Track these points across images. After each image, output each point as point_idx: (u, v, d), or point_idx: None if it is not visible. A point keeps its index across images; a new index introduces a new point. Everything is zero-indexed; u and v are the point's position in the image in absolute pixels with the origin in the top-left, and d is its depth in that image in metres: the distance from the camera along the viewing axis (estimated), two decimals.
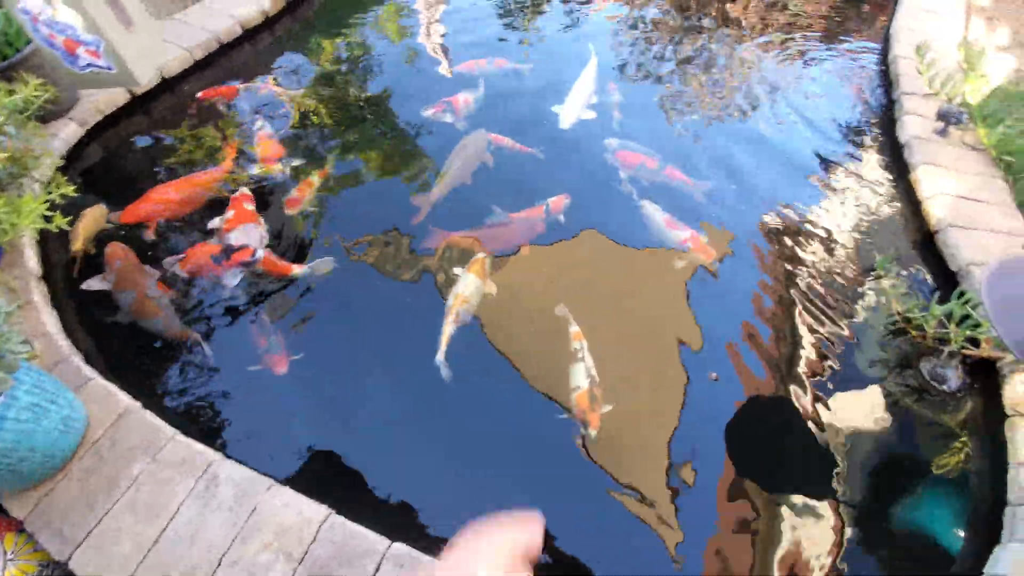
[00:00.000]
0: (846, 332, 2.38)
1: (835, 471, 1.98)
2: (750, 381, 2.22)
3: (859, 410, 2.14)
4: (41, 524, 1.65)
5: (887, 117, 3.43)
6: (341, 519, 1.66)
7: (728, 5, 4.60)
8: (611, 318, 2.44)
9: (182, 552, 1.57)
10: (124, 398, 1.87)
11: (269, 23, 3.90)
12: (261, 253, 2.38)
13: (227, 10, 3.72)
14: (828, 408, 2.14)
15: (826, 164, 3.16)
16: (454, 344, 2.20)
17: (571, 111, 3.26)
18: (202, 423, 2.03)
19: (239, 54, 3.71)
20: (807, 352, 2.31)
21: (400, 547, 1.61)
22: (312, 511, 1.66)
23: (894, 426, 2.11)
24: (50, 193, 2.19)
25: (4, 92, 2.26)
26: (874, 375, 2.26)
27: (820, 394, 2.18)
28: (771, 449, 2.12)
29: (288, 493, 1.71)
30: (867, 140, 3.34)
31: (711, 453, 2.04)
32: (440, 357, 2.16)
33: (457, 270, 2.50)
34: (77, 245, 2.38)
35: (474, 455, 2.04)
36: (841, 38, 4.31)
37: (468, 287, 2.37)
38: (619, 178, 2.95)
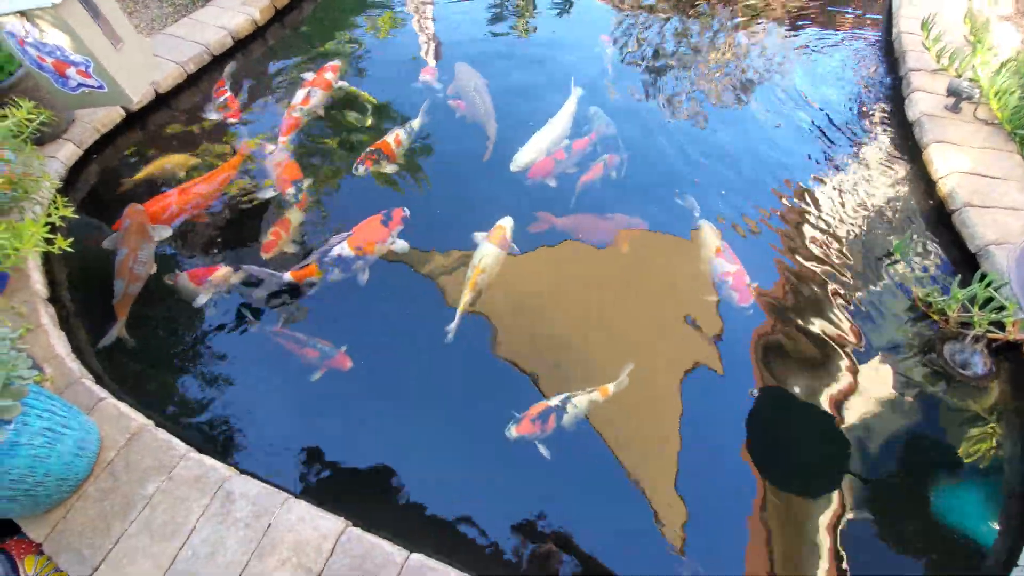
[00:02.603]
0: (864, 318, 2.33)
1: (857, 461, 1.94)
2: (763, 370, 2.19)
3: (880, 397, 2.10)
4: (60, 547, 1.66)
5: (895, 95, 3.35)
6: (358, 531, 1.65)
7: None
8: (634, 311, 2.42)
9: (200, 570, 1.57)
10: (136, 417, 1.87)
11: (260, 32, 3.88)
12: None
13: (216, 21, 3.70)
14: (848, 396, 2.10)
15: (832, 146, 3.10)
16: (471, 353, 2.19)
17: (527, 155, 3.01)
18: (213, 438, 2.03)
19: (228, 63, 3.68)
20: (823, 340, 2.26)
21: (418, 557, 1.60)
22: (328, 525, 1.65)
23: (917, 414, 2.06)
24: (50, 216, 2.18)
25: None
26: (895, 362, 2.21)
27: (839, 382, 2.14)
28: (789, 439, 2.08)
29: (303, 506, 1.70)
30: (875, 119, 3.26)
31: (729, 444, 2.01)
32: (453, 325, 2.20)
33: (478, 236, 2.49)
34: (140, 174, 2.71)
35: (490, 463, 2.02)
36: (841, 17, 4.21)
37: (487, 257, 2.40)
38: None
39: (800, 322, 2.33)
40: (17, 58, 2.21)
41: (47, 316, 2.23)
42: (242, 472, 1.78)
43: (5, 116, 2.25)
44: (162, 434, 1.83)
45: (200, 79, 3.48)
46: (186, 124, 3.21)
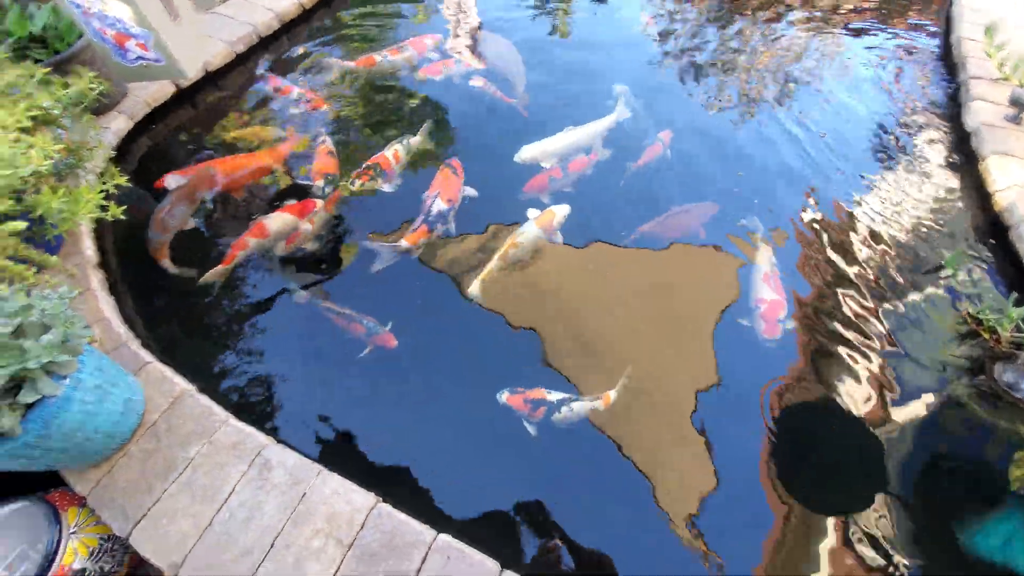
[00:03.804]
0: (908, 333, 2.25)
1: (898, 485, 1.88)
2: (802, 382, 2.13)
3: (925, 417, 2.03)
4: (103, 501, 1.72)
5: (951, 103, 3.23)
6: (388, 508, 1.67)
7: None
8: (656, 316, 2.39)
9: (237, 533, 1.61)
10: (180, 381, 1.92)
11: (306, 15, 3.93)
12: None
13: (265, 3, 3.76)
14: (890, 414, 2.03)
15: (883, 152, 3.00)
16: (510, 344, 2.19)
17: (531, 152, 2.99)
18: (253, 406, 2.07)
19: (277, 47, 3.75)
20: (865, 353, 2.20)
21: (445, 538, 1.61)
22: (360, 499, 1.68)
23: (964, 436, 1.99)
24: (104, 184, 2.25)
25: (60, 85, 2.34)
26: (941, 380, 2.13)
27: (880, 399, 2.07)
28: (826, 459, 2.02)
29: (336, 479, 1.72)
30: (928, 127, 3.15)
31: (758, 458, 1.97)
32: (475, 288, 2.29)
33: (531, 213, 2.59)
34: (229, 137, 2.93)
35: (521, 452, 2.03)
36: (895, 19, 4.07)
37: (526, 235, 2.49)
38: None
39: (838, 332, 2.26)
40: (80, 28, 2.27)
41: (96, 280, 2.31)
42: (279, 442, 1.82)
43: (67, 84, 2.32)
44: (204, 399, 1.88)
45: (247, 59, 3.54)
46: (233, 103, 3.28)
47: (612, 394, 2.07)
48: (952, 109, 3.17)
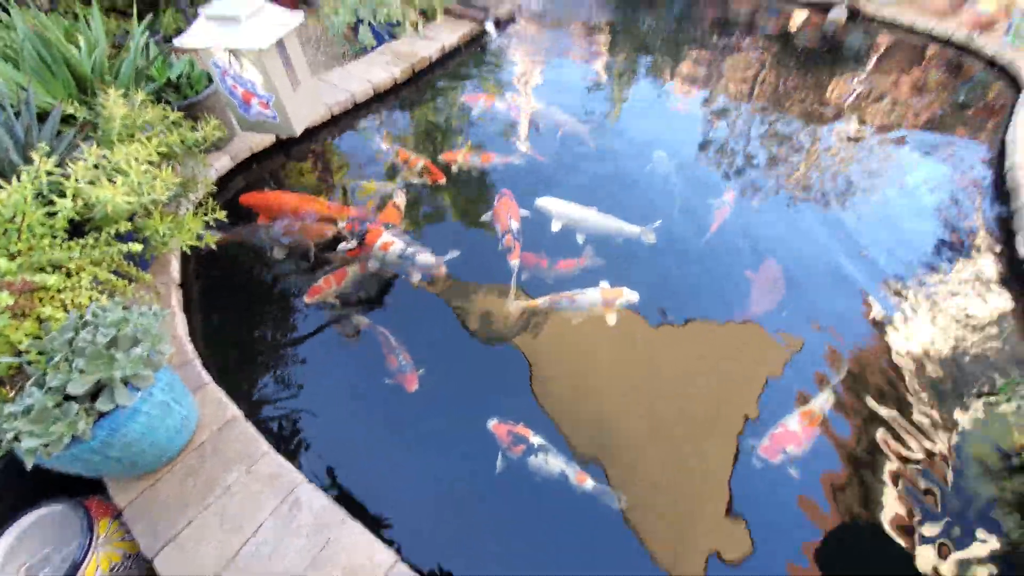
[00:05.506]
0: (953, 464, 2.12)
1: None
2: (825, 517, 2.01)
3: (970, 561, 1.86)
4: (139, 516, 1.77)
5: (1003, 228, 3.22)
6: (406, 568, 1.65)
7: (824, 94, 4.65)
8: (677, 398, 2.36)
9: (259, 569, 1.62)
10: (232, 407, 2.02)
11: (396, 88, 4.43)
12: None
13: (364, 75, 4.28)
14: (929, 556, 1.88)
15: (932, 271, 2.98)
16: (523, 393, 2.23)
17: (551, 203, 3.19)
18: (290, 438, 2.15)
19: (367, 111, 4.21)
20: (902, 485, 2.07)
21: None
22: (380, 556, 1.66)
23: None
24: (206, 215, 2.53)
25: (188, 127, 2.71)
26: (988, 519, 1.97)
27: (918, 538, 1.93)
28: None
29: (359, 529, 1.73)
30: (980, 249, 3.12)
31: None
32: (513, 307, 2.56)
33: (603, 283, 2.73)
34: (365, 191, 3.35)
35: (540, 520, 1.98)
36: (948, 140, 4.16)
37: (587, 295, 2.66)
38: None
39: (869, 458, 2.16)
40: (215, 83, 2.67)
41: (176, 299, 2.52)
42: (310, 482, 1.86)
43: (193, 127, 2.69)
44: (251, 428, 1.97)
45: (340, 119, 3.98)
46: (325, 157, 3.67)
47: (590, 481, 2.02)
48: (1006, 233, 3.15)
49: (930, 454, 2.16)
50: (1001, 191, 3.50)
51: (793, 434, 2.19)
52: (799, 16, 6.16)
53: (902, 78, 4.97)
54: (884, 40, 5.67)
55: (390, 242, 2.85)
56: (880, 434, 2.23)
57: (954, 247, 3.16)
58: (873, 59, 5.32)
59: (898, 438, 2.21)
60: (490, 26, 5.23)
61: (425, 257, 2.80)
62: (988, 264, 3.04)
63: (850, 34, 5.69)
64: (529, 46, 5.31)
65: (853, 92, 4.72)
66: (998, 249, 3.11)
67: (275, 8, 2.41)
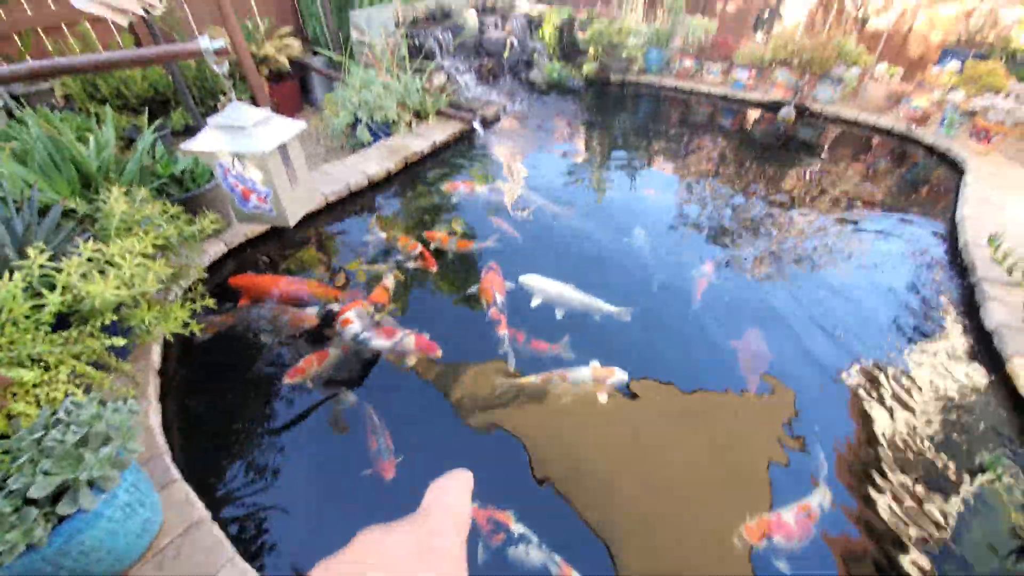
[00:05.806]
0: (946, 548, 2.07)
1: None
2: None
3: None
4: None
5: (967, 301, 3.39)
6: None
7: (780, 181, 5.05)
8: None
9: None
10: (199, 507, 1.93)
11: (389, 178, 4.73)
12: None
13: (359, 167, 4.59)
14: None
15: (900, 347, 3.08)
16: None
17: (535, 280, 3.33)
18: (258, 538, 2.02)
19: (360, 199, 4.45)
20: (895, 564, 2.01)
21: None
22: None
23: None
24: (194, 303, 2.58)
25: (186, 221, 2.84)
26: None
27: None
28: None
29: None
30: (947, 323, 3.26)
31: None
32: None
33: (594, 362, 2.76)
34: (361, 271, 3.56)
35: None
36: (901, 219, 4.46)
37: (579, 374, 2.70)
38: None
39: (855, 549, 2.10)
40: (218, 181, 2.84)
41: (153, 387, 2.48)
42: None
43: (191, 220, 2.82)
44: (216, 531, 1.86)
45: (334, 208, 4.20)
46: (318, 242, 3.83)
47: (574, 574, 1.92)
48: (968, 307, 3.32)
49: (926, 541, 2.11)
50: (959, 267, 3.73)
51: (785, 525, 2.13)
52: (753, 115, 6.88)
53: (852, 165, 5.48)
54: (832, 133, 6.31)
55: (349, 320, 2.92)
56: (876, 522, 2.18)
57: (922, 322, 3.30)
58: (824, 148, 5.89)
59: (894, 526, 2.16)
60: (478, 125, 5.73)
61: (380, 342, 2.85)
62: (958, 338, 3.16)
63: (799, 129, 6.33)
64: (513, 141, 5.78)
65: (806, 177, 5.17)
66: (962, 319, 3.26)
67: (280, 118, 2.65)
